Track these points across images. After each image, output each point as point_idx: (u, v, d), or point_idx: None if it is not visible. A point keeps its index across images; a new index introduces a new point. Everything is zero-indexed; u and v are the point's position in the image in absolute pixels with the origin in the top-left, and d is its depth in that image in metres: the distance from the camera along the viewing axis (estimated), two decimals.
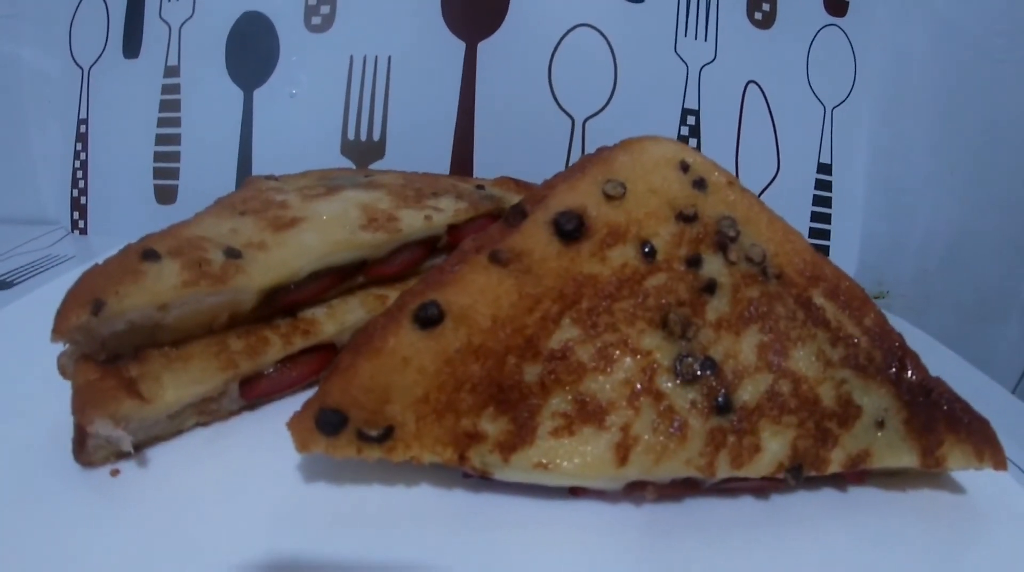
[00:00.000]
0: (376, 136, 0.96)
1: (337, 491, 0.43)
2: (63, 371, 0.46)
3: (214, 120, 0.98)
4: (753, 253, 0.47)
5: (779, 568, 0.40)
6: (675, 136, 0.98)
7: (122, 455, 0.44)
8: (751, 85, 1.00)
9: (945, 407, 0.45)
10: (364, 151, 0.96)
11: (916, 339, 0.49)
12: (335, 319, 0.54)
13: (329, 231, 0.54)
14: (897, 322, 0.48)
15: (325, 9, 0.96)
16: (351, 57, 0.95)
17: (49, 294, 0.46)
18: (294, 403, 0.43)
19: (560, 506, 0.43)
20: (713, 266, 0.46)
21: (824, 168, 1.04)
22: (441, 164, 0.95)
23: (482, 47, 0.95)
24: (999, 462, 0.45)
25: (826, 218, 1.04)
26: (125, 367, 0.46)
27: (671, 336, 0.44)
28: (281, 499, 0.43)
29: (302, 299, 0.53)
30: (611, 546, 0.41)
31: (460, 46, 0.95)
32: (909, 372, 0.46)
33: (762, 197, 0.50)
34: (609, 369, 0.43)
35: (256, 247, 0.51)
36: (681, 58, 0.98)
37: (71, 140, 1.06)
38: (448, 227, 0.60)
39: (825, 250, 1.04)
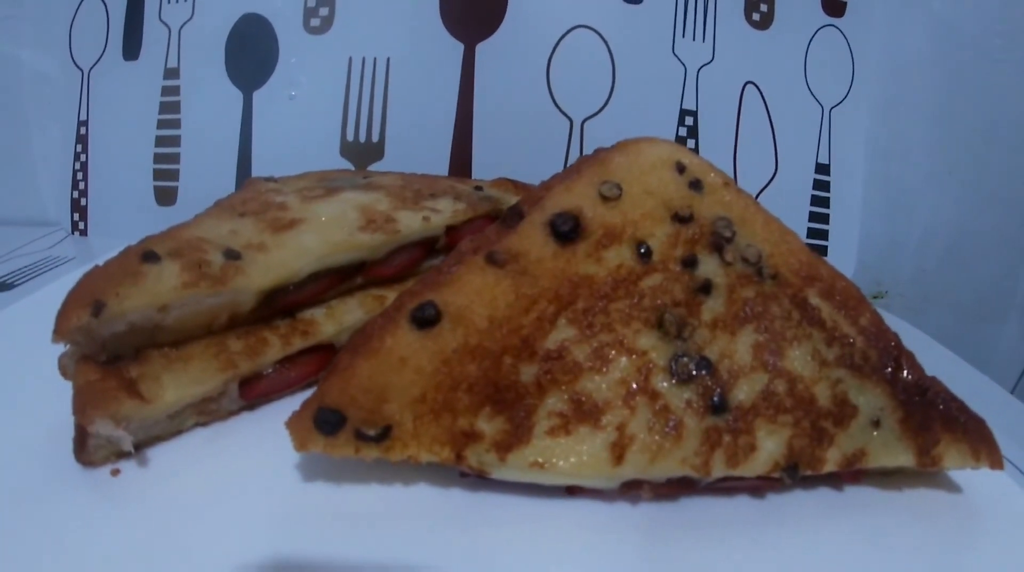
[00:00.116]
0: (375, 137, 0.96)
1: (335, 490, 0.44)
2: (64, 372, 0.46)
3: (214, 122, 0.98)
4: (749, 253, 0.47)
5: (775, 567, 0.40)
6: (673, 137, 0.98)
7: (122, 455, 0.45)
8: (749, 86, 1.00)
9: (941, 406, 0.45)
10: (363, 152, 0.96)
11: (915, 339, 0.49)
12: (334, 320, 0.55)
13: (328, 232, 0.55)
14: (896, 322, 0.48)
15: (324, 11, 0.96)
16: (350, 59, 0.96)
17: (50, 296, 0.46)
18: (293, 403, 0.43)
19: (557, 505, 0.43)
20: (709, 266, 0.47)
21: (822, 168, 1.04)
22: (440, 165, 0.95)
23: (480, 48, 0.95)
24: (995, 461, 0.45)
25: (824, 218, 1.04)
26: (125, 368, 0.46)
27: (667, 336, 0.44)
28: (280, 498, 0.43)
29: (301, 300, 0.54)
30: (607, 545, 0.41)
31: (458, 47, 0.95)
32: (905, 371, 0.46)
33: (760, 197, 0.50)
34: (605, 369, 0.43)
35: (255, 248, 0.52)
36: (679, 59, 0.98)
37: (71, 142, 1.06)
38: (446, 228, 0.60)
39: (823, 250, 1.04)
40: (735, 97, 1.00)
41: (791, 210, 1.00)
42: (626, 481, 0.42)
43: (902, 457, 0.45)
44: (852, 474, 0.46)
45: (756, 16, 1.01)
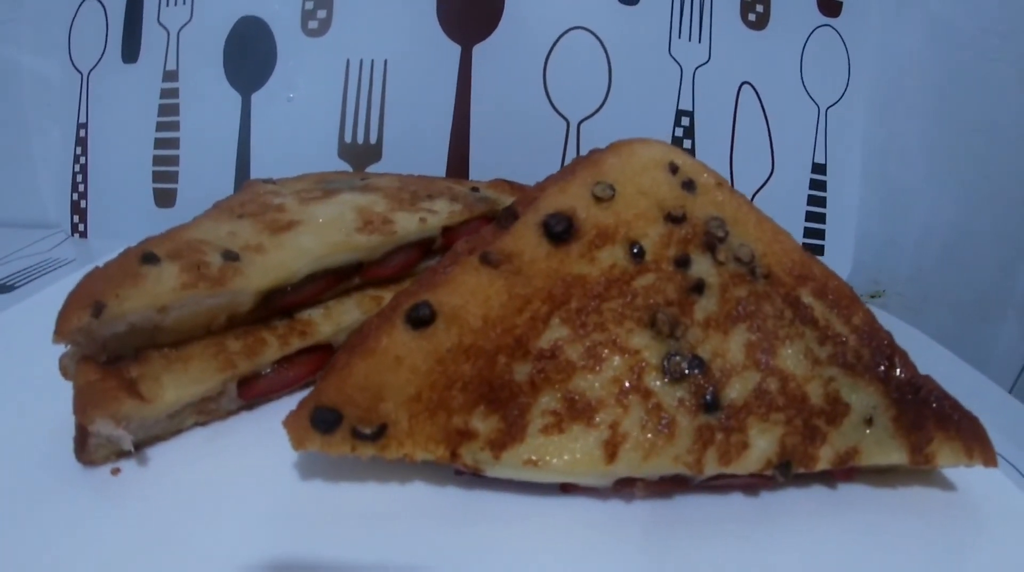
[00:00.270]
0: (373, 139, 0.96)
1: (332, 488, 0.44)
2: (64, 372, 0.46)
3: (212, 124, 0.99)
4: (741, 253, 0.47)
5: (769, 565, 0.40)
6: (670, 137, 0.98)
7: (122, 454, 0.45)
8: (745, 86, 1.00)
9: (934, 404, 0.45)
10: (361, 154, 0.96)
11: (912, 338, 0.49)
12: (331, 320, 0.55)
13: (326, 234, 0.55)
14: (893, 321, 0.49)
15: (322, 13, 0.97)
16: (347, 61, 0.96)
17: (50, 297, 0.47)
18: (291, 403, 0.44)
19: (551, 502, 0.43)
20: (701, 266, 0.47)
21: (819, 168, 1.04)
22: (437, 166, 0.96)
23: (477, 50, 0.95)
24: (989, 459, 0.45)
25: (821, 218, 1.05)
26: (126, 368, 0.47)
27: (659, 335, 0.44)
28: (278, 496, 0.43)
29: (299, 300, 0.54)
30: (602, 542, 0.41)
31: (455, 49, 0.95)
32: (898, 370, 0.46)
33: (756, 198, 0.50)
34: (598, 368, 0.43)
35: (254, 250, 0.52)
36: (675, 60, 0.98)
37: (71, 144, 1.07)
38: (443, 229, 0.61)
39: (820, 250, 1.04)
40: (731, 97, 1.00)
41: (788, 210, 1.00)
42: (619, 479, 0.43)
43: (895, 455, 0.45)
44: (845, 472, 0.46)
45: (752, 16, 1.01)
